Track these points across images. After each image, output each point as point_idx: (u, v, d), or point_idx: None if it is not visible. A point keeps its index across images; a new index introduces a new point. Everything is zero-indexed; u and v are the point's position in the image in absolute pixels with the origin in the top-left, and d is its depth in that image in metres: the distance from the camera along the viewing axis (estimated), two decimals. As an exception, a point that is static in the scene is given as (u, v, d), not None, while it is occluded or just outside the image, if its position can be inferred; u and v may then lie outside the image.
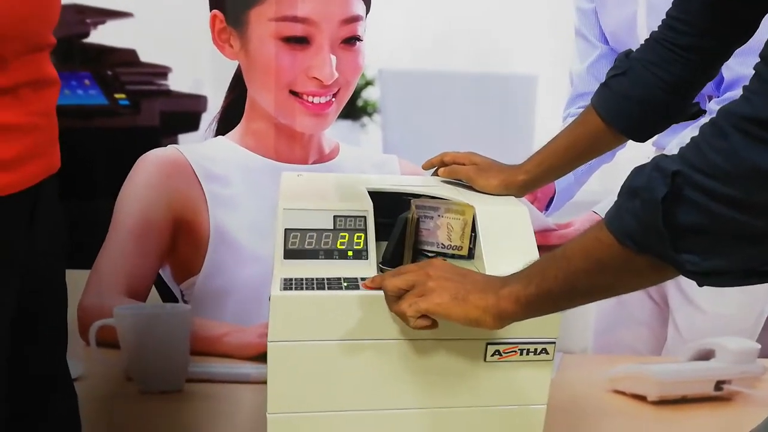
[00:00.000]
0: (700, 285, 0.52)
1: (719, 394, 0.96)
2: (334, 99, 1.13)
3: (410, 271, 0.63)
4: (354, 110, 1.68)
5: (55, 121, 0.64)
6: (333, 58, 1.09)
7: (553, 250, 0.58)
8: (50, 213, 0.66)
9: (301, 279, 0.66)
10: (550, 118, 1.26)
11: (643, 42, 0.80)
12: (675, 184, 0.50)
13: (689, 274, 0.51)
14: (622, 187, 0.54)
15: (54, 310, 0.70)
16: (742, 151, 0.48)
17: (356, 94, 1.58)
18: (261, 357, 0.99)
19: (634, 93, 0.78)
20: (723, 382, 0.96)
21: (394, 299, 0.63)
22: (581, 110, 0.86)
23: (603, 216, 0.99)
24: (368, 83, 1.67)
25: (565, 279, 0.56)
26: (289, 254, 0.69)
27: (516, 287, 0.59)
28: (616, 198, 0.54)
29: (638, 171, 0.53)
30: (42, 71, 0.62)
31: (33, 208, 0.63)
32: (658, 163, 0.52)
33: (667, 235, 0.50)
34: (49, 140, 0.64)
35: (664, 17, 0.78)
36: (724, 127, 0.49)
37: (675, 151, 1.13)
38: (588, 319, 1.29)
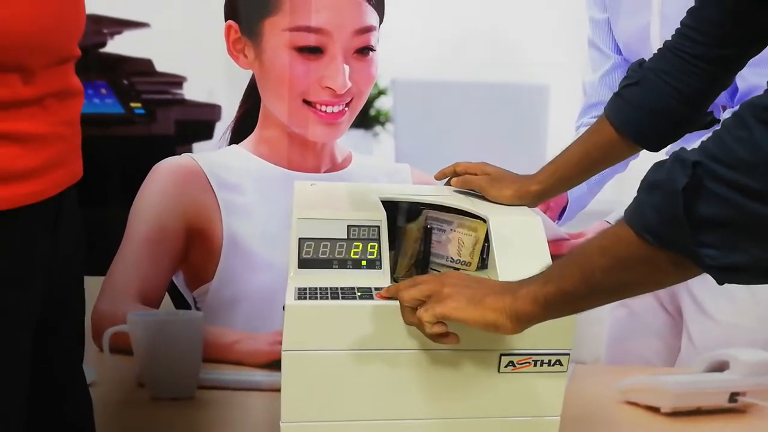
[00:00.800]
0: (720, 283, 0.51)
1: (733, 406, 0.95)
2: (347, 108, 1.14)
3: (426, 282, 0.63)
4: (367, 119, 1.68)
5: (78, 131, 0.65)
6: (346, 67, 1.10)
7: (570, 252, 0.58)
8: (72, 221, 0.67)
9: (315, 288, 0.66)
10: (563, 128, 1.26)
11: (655, 52, 0.80)
12: (695, 175, 0.49)
13: (708, 269, 0.50)
14: (642, 181, 0.53)
15: (73, 316, 0.71)
16: (763, 141, 0.47)
17: (369, 103, 1.59)
18: (272, 365, 0.99)
19: (648, 102, 0.78)
20: (737, 393, 0.95)
21: (410, 311, 0.63)
22: (594, 120, 0.86)
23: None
24: (381, 93, 1.68)
25: (583, 277, 0.55)
26: (303, 263, 0.69)
27: (533, 287, 0.58)
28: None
29: (658, 165, 0.52)
30: (67, 82, 0.63)
31: (56, 217, 0.63)
32: (679, 155, 0.51)
33: (688, 227, 0.49)
34: (72, 149, 0.65)
35: (678, 26, 0.78)
36: (747, 118, 0.49)
37: None
38: (600, 329, 1.28)
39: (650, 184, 0.52)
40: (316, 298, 0.65)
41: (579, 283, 0.55)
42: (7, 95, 0.56)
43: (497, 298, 0.59)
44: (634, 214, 0.52)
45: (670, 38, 0.80)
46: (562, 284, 0.56)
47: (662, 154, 1.10)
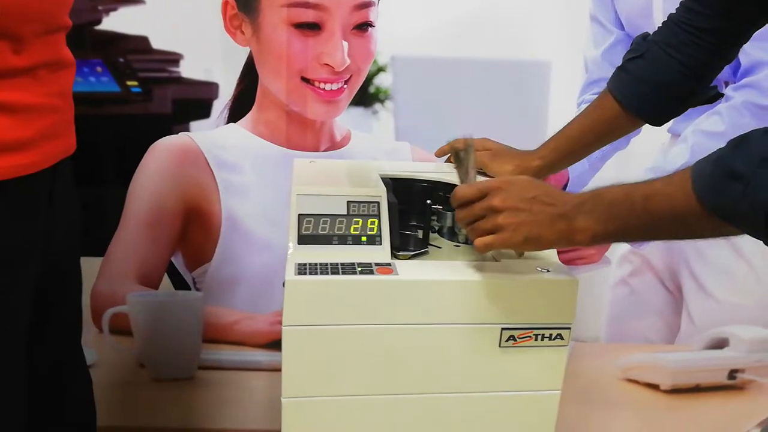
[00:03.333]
0: None
1: (732, 383, 0.96)
2: (345, 86, 1.12)
3: (485, 196, 0.64)
4: (366, 97, 1.66)
5: (71, 103, 0.64)
6: (345, 44, 1.09)
7: (628, 193, 0.61)
8: (67, 195, 0.66)
9: (316, 264, 0.66)
10: (564, 104, 1.25)
11: (659, 25, 0.80)
12: None
13: None
14: (719, 159, 0.56)
15: (70, 293, 0.70)
16: None
17: (368, 80, 1.57)
18: (272, 344, 0.99)
19: (652, 76, 0.77)
20: (736, 371, 0.96)
21: (464, 214, 0.65)
22: (596, 96, 0.85)
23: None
24: (380, 70, 1.66)
25: (647, 231, 0.60)
26: (303, 239, 0.69)
27: (593, 225, 0.61)
28: (707, 159, 0.57)
29: (737, 148, 0.54)
30: (58, 53, 0.62)
31: (51, 190, 0.63)
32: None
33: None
34: (65, 121, 0.64)
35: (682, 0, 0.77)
36: None
37: (690, 140, 1.11)
38: (600, 307, 1.28)
39: (730, 172, 0.54)
40: (316, 273, 0.65)
41: (640, 234, 0.61)
42: None
43: (553, 231, 0.62)
44: (710, 194, 0.56)
45: (673, 12, 0.79)
46: (624, 230, 0.61)
47: (663, 131, 1.09)
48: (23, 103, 0.57)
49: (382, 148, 1.22)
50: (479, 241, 0.64)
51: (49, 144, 0.61)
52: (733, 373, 0.96)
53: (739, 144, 0.55)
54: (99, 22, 1.34)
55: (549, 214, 0.62)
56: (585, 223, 0.61)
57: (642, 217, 0.59)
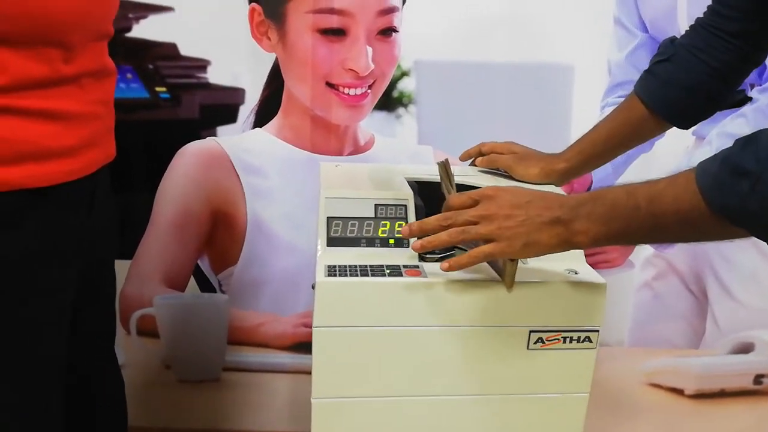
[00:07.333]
0: None
1: (758, 388, 0.95)
2: (369, 90, 1.13)
3: (478, 203, 0.64)
4: (389, 101, 1.66)
5: (112, 111, 0.66)
6: (369, 49, 1.10)
7: (631, 193, 0.59)
8: (105, 201, 0.68)
9: (345, 266, 0.67)
10: (587, 108, 1.25)
11: (685, 29, 0.80)
12: None
13: None
14: (726, 157, 0.55)
15: (106, 296, 0.72)
16: None
17: (392, 85, 1.57)
18: (297, 347, 1.00)
19: (679, 79, 0.77)
20: (762, 375, 0.95)
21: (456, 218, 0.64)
22: (620, 99, 0.86)
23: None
24: (404, 74, 1.66)
25: (651, 232, 0.59)
26: (332, 242, 0.70)
27: (593, 226, 0.60)
28: (713, 159, 0.56)
29: (746, 147, 0.54)
30: (102, 61, 0.63)
31: (92, 197, 0.64)
32: None
33: None
34: (107, 129, 0.65)
35: (710, 3, 0.77)
36: None
37: (714, 142, 1.10)
38: (624, 311, 1.28)
39: (737, 169, 0.53)
40: (345, 275, 0.66)
41: (643, 235, 0.60)
42: (48, 73, 0.57)
43: (550, 234, 0.61)
44: (715, 193, 0.55)
45: (698, 15, 0.79)
46: (627, 232, 0.59)
47: (688, 134, 1.08)
48: (69, 111, 0.59)
49: (405, 152, 1.23)
50: (477, 251, 0.62)
51: (92, 151, 0.62)
52: (758, 378, 0.95)
53: (748, 142, 0.54)
54: (129, 29, 1.37)
55: (546, 218, 0.61)
56: (584, 225, 0.60)
57: (646, 218, 0.58)
